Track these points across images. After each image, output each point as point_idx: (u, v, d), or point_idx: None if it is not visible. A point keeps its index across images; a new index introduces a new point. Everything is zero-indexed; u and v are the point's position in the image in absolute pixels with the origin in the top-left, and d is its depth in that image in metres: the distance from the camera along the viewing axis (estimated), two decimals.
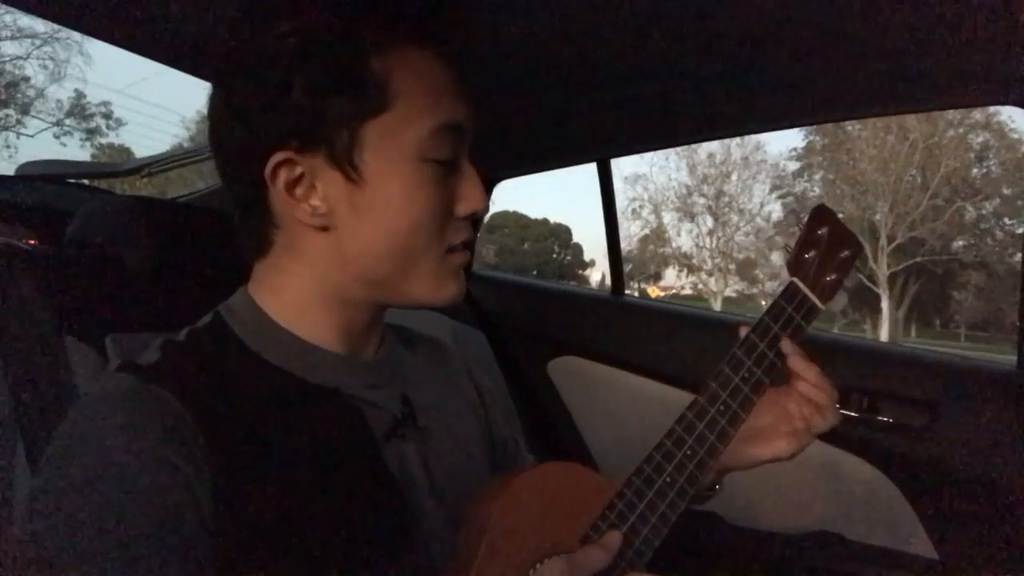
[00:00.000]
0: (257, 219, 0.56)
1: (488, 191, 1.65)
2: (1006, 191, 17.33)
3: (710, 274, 21.07)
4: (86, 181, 1.43)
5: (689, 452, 0.60)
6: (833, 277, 0.67)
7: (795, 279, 0.66)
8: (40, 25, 15.97)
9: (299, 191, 0.52)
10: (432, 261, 0.55)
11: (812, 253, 0.66)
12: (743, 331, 0.64)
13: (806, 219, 0.68)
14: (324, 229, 0.54)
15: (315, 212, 0.53)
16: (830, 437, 1.19)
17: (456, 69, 0.56)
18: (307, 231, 0.54)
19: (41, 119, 18.11)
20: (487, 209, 0.59)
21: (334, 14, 0.51)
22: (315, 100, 0.50)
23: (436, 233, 0.55)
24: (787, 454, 0.66)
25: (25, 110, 17.72)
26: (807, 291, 0.65)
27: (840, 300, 0.68)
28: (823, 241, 0.66)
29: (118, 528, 0.41)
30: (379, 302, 0.58)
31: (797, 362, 0.64)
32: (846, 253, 0.67)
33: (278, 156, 0.51)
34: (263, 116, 0.51)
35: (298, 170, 0.52)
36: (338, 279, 0.55)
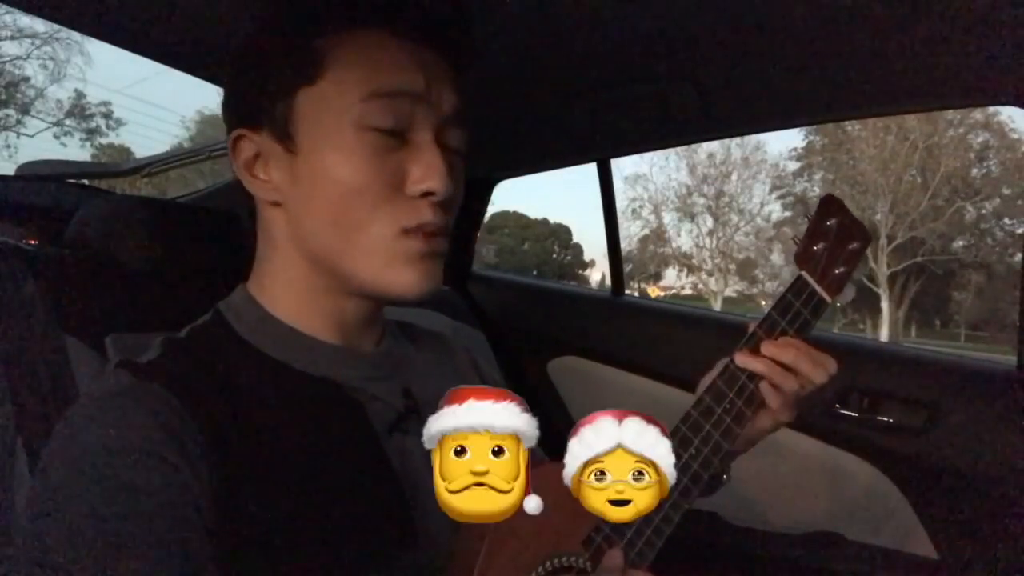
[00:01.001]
0: (247, 211, 0.59)
1: (488, 191, 1.66)
2: (1006, 191, 17.33)
3: (710, 274, 21.08)
4: (86, 181, 1.42)
5: (694, 451, 0.59)
6: (842, 270, 0.64)
7: (803, 272, 0.63)
8: (40, 25, 16.02)
9: (258, 170, 0.55)
10: (378, 240, 0.53)
11: (821, 245, 0.64)
12: (751, 327, 0.63)
13: (815, 210, 0.66)
14: (278, 205, 0.56)
15: (268, 188, 0.55)
16: (830, 437, 1.20)
17: (416, 47, 0.54)
18: (270, 211, 0.56)
19: (41, 119, 18.14)
20: (447, 190, 0.53)
21: (296, 5, 0.55)
22: (261, 79, 0.54)
23: (381, 208, 0.52)
24: (772, 423, 0.64)
25: (25, 110, 17.74)
26: (815, 285, 0.63)
27: (848, 292, 0.65)
28: (832, 232, 0.64)
29: (116, 527, 0.41)
30: (343, 289, 0.56)
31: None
32: (855, 245, 0.65)
33: (234, 133, 0.55)
34: (231, 100, 0.57)
35: (253, 148, 0.55)
36: (296, 259, 0.56)
